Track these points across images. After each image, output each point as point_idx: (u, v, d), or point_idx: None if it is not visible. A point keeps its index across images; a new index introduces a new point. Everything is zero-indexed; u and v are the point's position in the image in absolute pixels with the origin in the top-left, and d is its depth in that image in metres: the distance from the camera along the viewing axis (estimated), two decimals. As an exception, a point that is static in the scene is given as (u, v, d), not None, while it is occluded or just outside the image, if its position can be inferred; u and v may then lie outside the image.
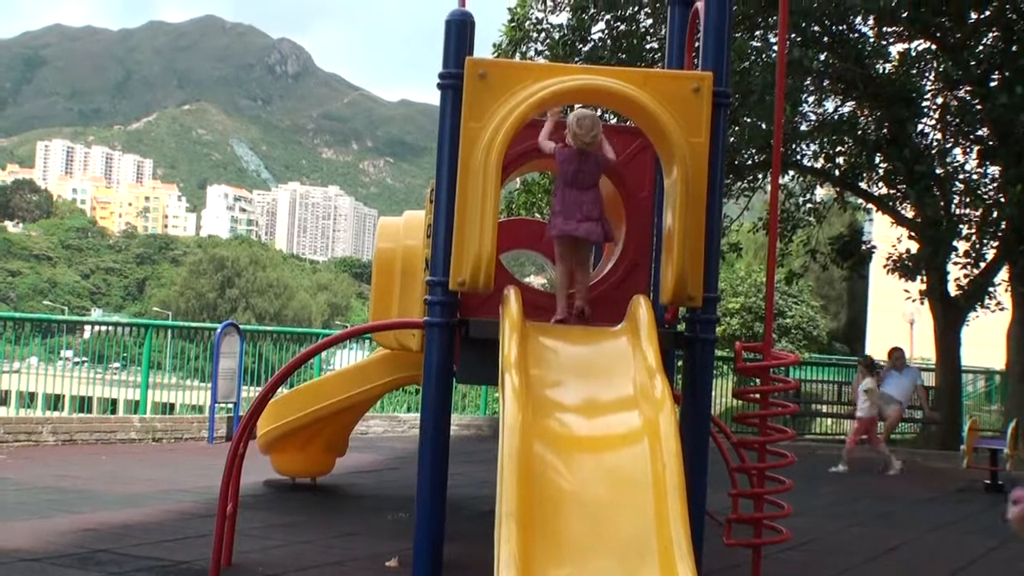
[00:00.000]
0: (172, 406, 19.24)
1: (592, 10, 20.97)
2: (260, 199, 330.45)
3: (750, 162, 21.48)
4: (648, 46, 20.92)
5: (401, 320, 9.50)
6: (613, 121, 7.81)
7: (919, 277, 20.98)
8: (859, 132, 21.32)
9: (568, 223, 7.08)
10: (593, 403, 5.86)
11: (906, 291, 22.29)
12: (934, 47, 20.71)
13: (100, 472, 12.25)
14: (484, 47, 23.25)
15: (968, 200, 21.07)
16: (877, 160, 21.44)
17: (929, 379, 21.22)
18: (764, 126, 19.17)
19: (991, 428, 21.63)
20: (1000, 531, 11.28)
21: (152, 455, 14.21)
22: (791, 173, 23.12)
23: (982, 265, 21.03)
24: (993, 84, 19.69)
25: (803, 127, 21.76)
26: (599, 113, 17.91)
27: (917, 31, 20.30)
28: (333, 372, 13.98)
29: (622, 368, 6.04)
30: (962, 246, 21.01)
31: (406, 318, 9.39)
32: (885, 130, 20.84)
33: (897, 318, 40.01)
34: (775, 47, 19.90)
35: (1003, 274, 21.42)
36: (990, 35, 20.39)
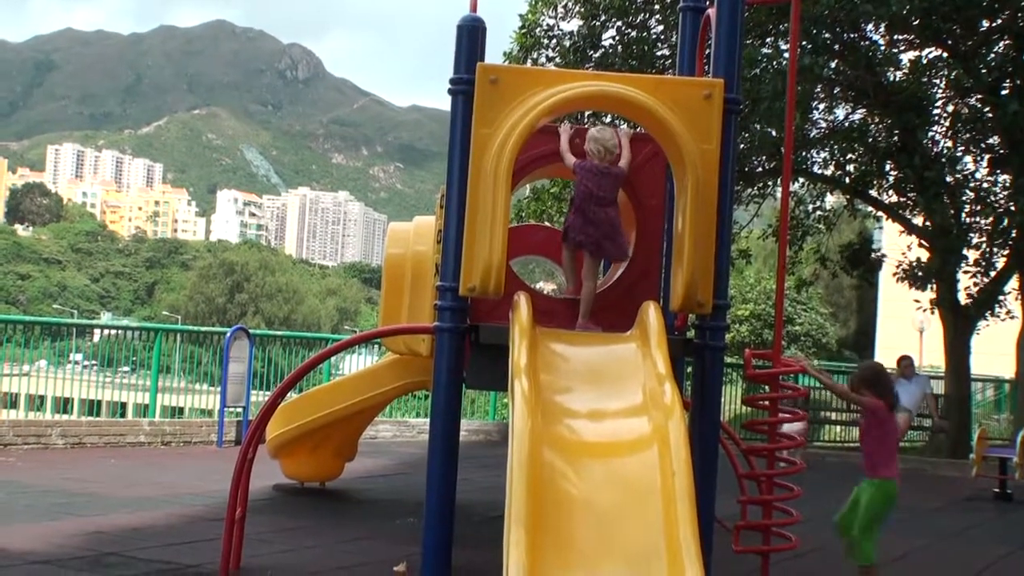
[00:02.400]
0: (181, 410, 19.22)
1: (603, 17, 20.97)
2: (270, 204, 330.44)
3: (760, 169, 21.47)
4: (659, 53, 20.93)
5: (411, 325, 9.50)
6: (624, 127, 7.81)
7: (929, 287, 20.96)
8: (869, 139, 21.31)
9: (582, 236, 7.14)
10: (602, 409, 5.85)
11: (917, 301, 22.26)
12: (945, 55, 20.68)
13: (109, 475, 12.26)
14: (495, 54, 23.28)
15: (978, 208, 21.05)
16: (887, 168, 21.43)
17: (938, 387, 21.18)
18: (774, 133, 19.15)
19: (1000, 437, 21.58)
20: (1010, 539, 11.27)
21: (161, 459, 14.22)
22: (801, 180, 23.10)
23: (992, 274, 21.01)
24: (1004, 92, 19.67)
25: (813, 134, 21.75)
26: (610, 119, 17.94)
27: (928, 39, 20.27)
28: (343, 377, 13.98)
29: (632, 374, 6.04)
30: (972, 255, 20.99)
31: (416, 323, 9.39)
32: (896, 138, 20.82)
33: (906, 326, 39.89)
34: (786, 54, 19.89)
35: (1013, 282, 21.40)
36: (1001, 43, 20.36)
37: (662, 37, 21.03)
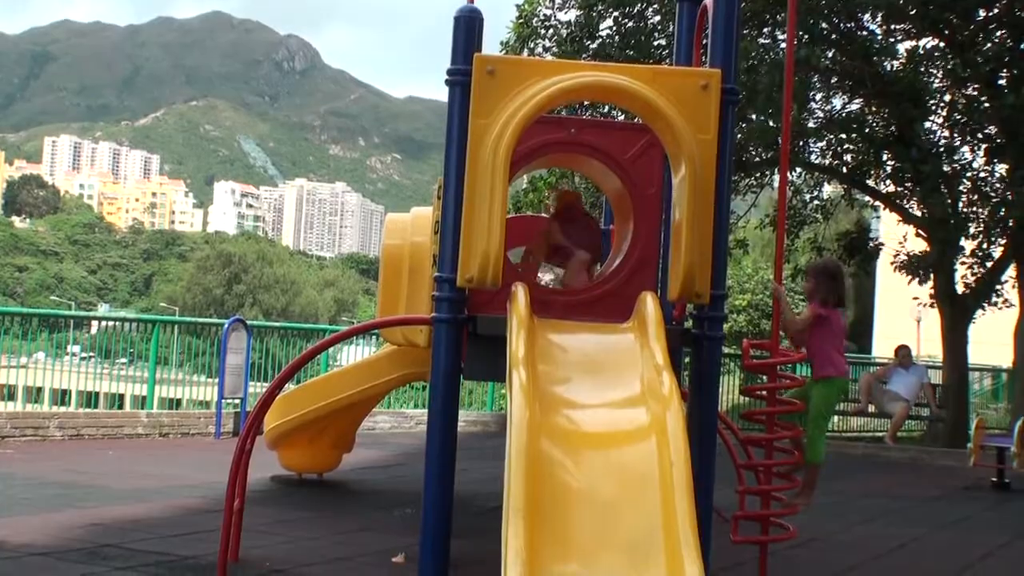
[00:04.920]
0: (179, 401, 19.21)
1: (600, 7, 20.93)
2: (267, 195, 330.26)
3: (757, 159, 21.46)
4: (656, 43, 20.89)
5: (409, 316, 9.48)
6: (621, 118, 7.79)
7: (927, 280, 20.95)
8: (867, 130, 21.31)
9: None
10: (601, 400, 5.84)
11: (916, 298, 22.29)
12: (942, 44, 20.67)
13: (107, 467, 12.26)
14: (492, 44, 23.20)
15: (975, 198, 21.04)
16: (885, 158, 21.41)
17: (936, 377, 21.19)
18: (772, 123, 19.14)
19: (998, 426, 21.59)
20: (1008, 528, 11.28)
21: (159, 450, 14.22)
22: (799, 170, 23.09)
23: (989, 263, 21.01)
24: (1001, 83, 19.66)
25: (811, 124, 21.73)
26: (606, 109, 17.92)
27: (925, 28, 20.26)
28: (340, 368, 13.97)
29: (630, 365, 6.03)
30: (969, 245, 20.99)
31: (414, 314, 9.38)
32: (893, 128, 20.82)
33: (904, 315, 39.94)
34: (783, 44, 19.87)
35: (1010, 271, 21.40)
36: (998, 33, 20.34)
37: (659, 27, 20.98)
